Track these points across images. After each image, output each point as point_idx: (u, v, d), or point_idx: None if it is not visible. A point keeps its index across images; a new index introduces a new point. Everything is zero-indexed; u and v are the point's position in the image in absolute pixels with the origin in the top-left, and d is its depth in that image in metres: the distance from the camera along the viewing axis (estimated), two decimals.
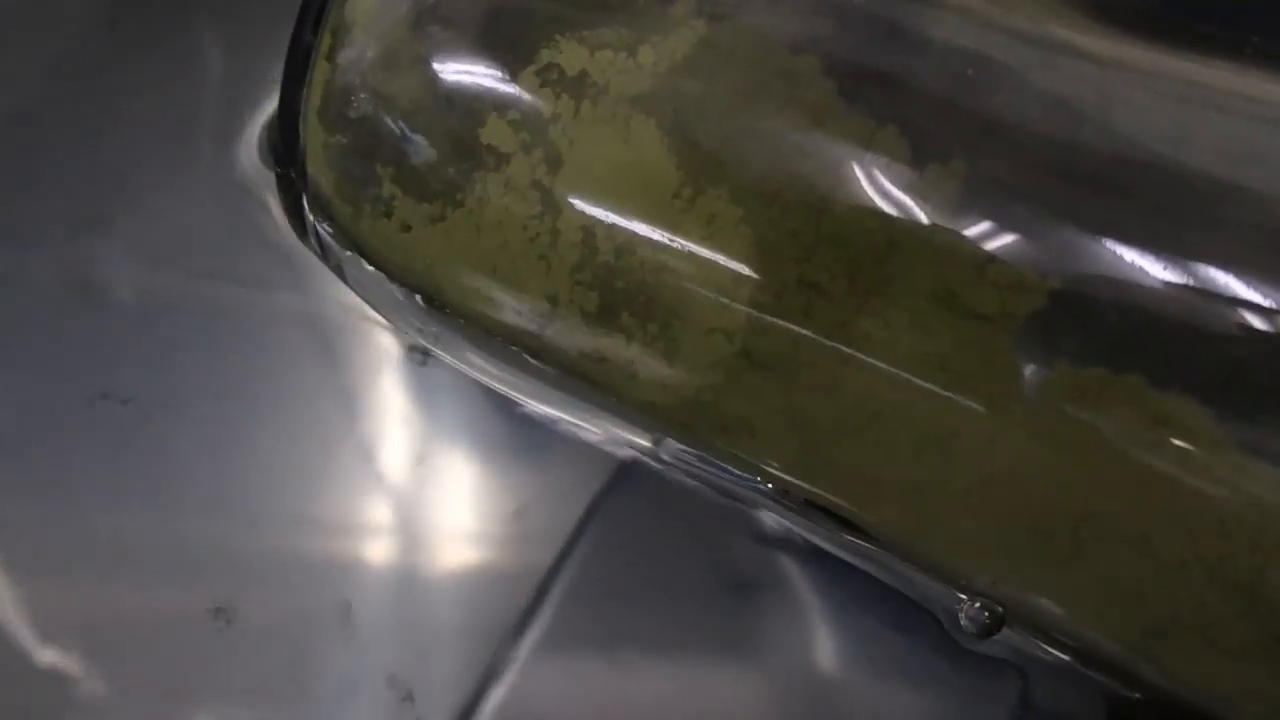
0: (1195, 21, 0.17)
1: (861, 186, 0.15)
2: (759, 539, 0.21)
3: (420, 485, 0.22)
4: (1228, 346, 0.14)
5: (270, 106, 0.23)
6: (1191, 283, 0.14)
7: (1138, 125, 0.15)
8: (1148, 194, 0.15)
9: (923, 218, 0.15)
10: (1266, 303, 0.14)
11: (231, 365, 0.23)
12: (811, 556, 0.21)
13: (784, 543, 0.21)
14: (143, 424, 0.22)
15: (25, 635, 0.21)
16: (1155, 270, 0.14)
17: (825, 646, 0.21)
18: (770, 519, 0.21)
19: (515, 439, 0.22)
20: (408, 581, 0.21)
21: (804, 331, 0.16)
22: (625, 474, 0.22)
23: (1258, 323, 0.14)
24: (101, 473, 0.22)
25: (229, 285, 0.23)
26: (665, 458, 0.20)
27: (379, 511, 0.22)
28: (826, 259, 0.15)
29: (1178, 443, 0.14)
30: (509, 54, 0.17)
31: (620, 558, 0.21)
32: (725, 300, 0.16)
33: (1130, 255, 0.15)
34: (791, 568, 0.21)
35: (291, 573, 0.21)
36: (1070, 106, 0.16)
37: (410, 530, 0.22)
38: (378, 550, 0.22)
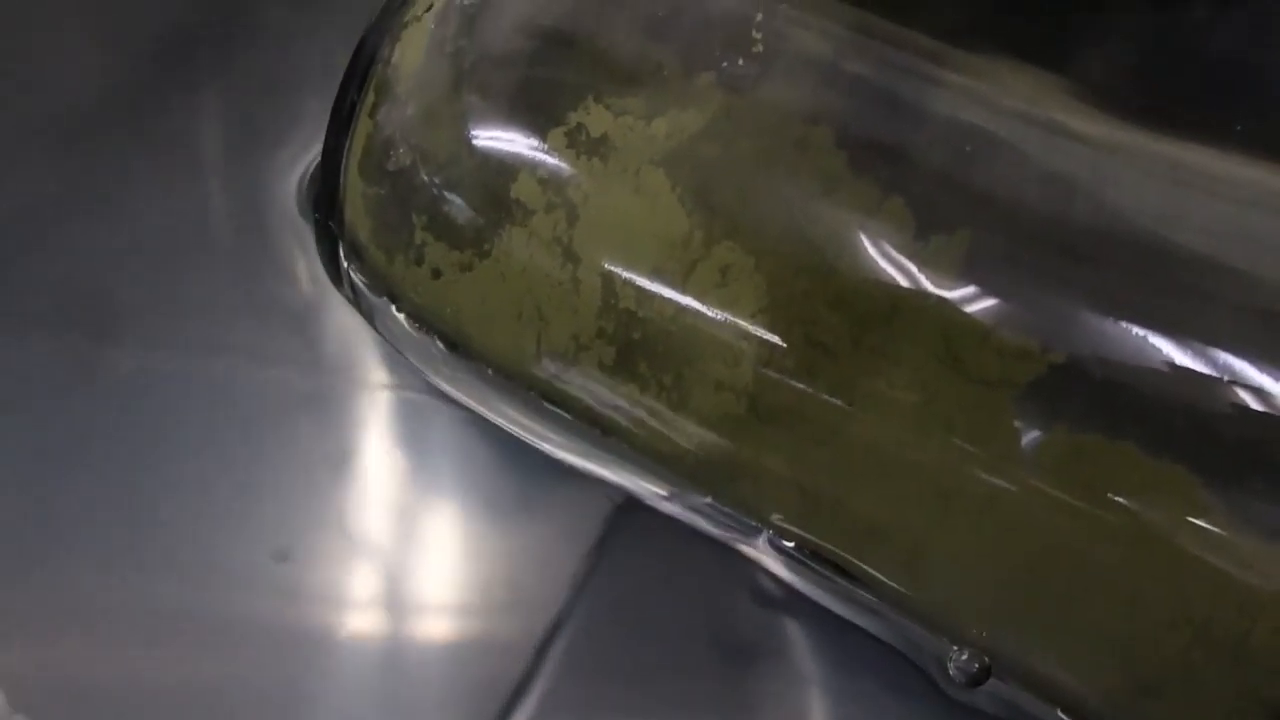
0: (1183, 107, 0.18)
1: (869, 252, 0.16)
2: (756, 600, 0.21)
3: (408, 552, 0.22)
4: (1216, 418, 0.15)
5: (270, 173, 0.24)
6: (1182, 356, 0.15)
7: (1130, 203, 0.16)
8: (1140, 269, 0.16)
9: (927, 285, 0.16)
10: (1250, 377, 0.15)
11: (219, 433, 0.22)
12: (809, 618, 0.21)
13: (781, 603, 0.21)
14: (128, 489, 0.22)
15: None
16: (1148, 342, 0.15)
17: (822, 712, 0.20)
18: (768, 579, 0.21)
19: (506, 504, 0.22)
20: (394, 653, 0.21)
21: (810, 388, 0.16)
22: (617, 535, 0.21)
23: (1243, 396, 0.15)
24: (85, 537, 0.22)
25: (220, 358, 0.23)
26: (672, 502, 0.21)
27: (366, 579, 0.22)
28: (833, 320, 0.16)
29: (1167, 507, 0.15)
30: (539, 116, 0.18)
31: (616, 624, 0.21)
32: (735, 355, 0.17)
33: (1124, 327, 0.15)
34: (789, 630, 0.21)
35: (277, 641, 0.21)
36: (1066, 184, 0.16)
37: (398, 598, 0.22)
38: (364, 620, 0.21)
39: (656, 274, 0.17)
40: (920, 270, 0.16)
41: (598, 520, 0.22)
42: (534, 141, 0.18)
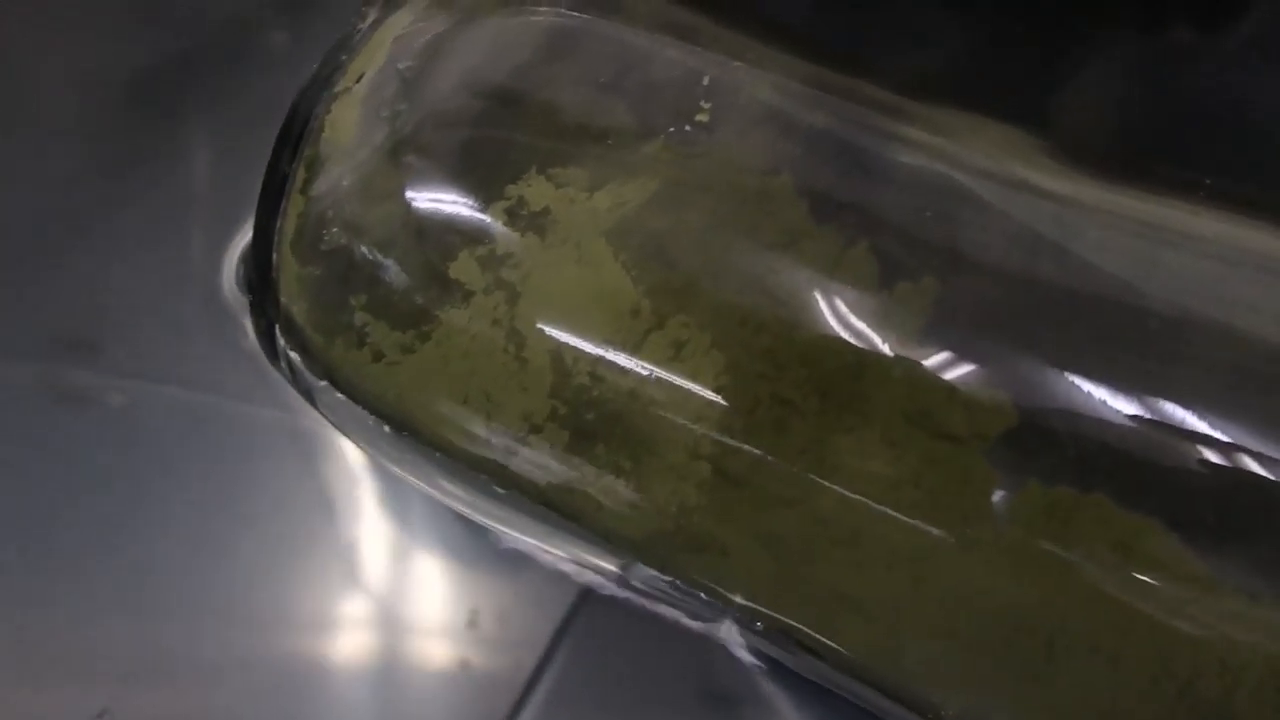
0: (1151, 163, 0.18)
1: (834, 303, 0.16)
2: (731, 662, 0.21)
3: (397, 590, 0.22)
4: (1190, 471, 0.14)
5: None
6: (1151, 410, 0.15)
7: (1095, 257, 0.16)
8: (1107, 322, 0.15)
9: (894, 336, 0.16)
10: (1224, 428, 0.15)
11: (210, 473, 0.23)
12: (791, 673, 0.21)
13: (763, 657, 0.21)
14: (122, 528, 0.22)
15: None
16: (1118, 396, 0.15)
17: None
18: (741, 650, 0.21)
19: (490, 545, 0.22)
20: (384, 684, 0.21)
21: (777, 448, 0.16)
22: (595, 592, 0.21)
23: (1217, 448, 0.14)
24: (75, 571, 0.22)
25: (210, 395, 0.23)
26: (634, 583, 0.20)
27: (357, 610, 0.22)
28: (799, 375, 0.16)
29: (1144, 562, 0.15)
30: (478, 191, 0.17)
31: (602, 666, 0.21)
32: (699, 422, 0.16)
33: (1094, 381, 0.15)
34: (773, 679, 0.21)
35: (273, 675, 0.21)
36: (1031, 237, 0.16)
37: (387, 631, 0.22)
38: (353, 652, 0.21)
39: (607, 349, 0.16)
40: (887, 319, 0.16)
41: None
42: (472, 218, 0.17)
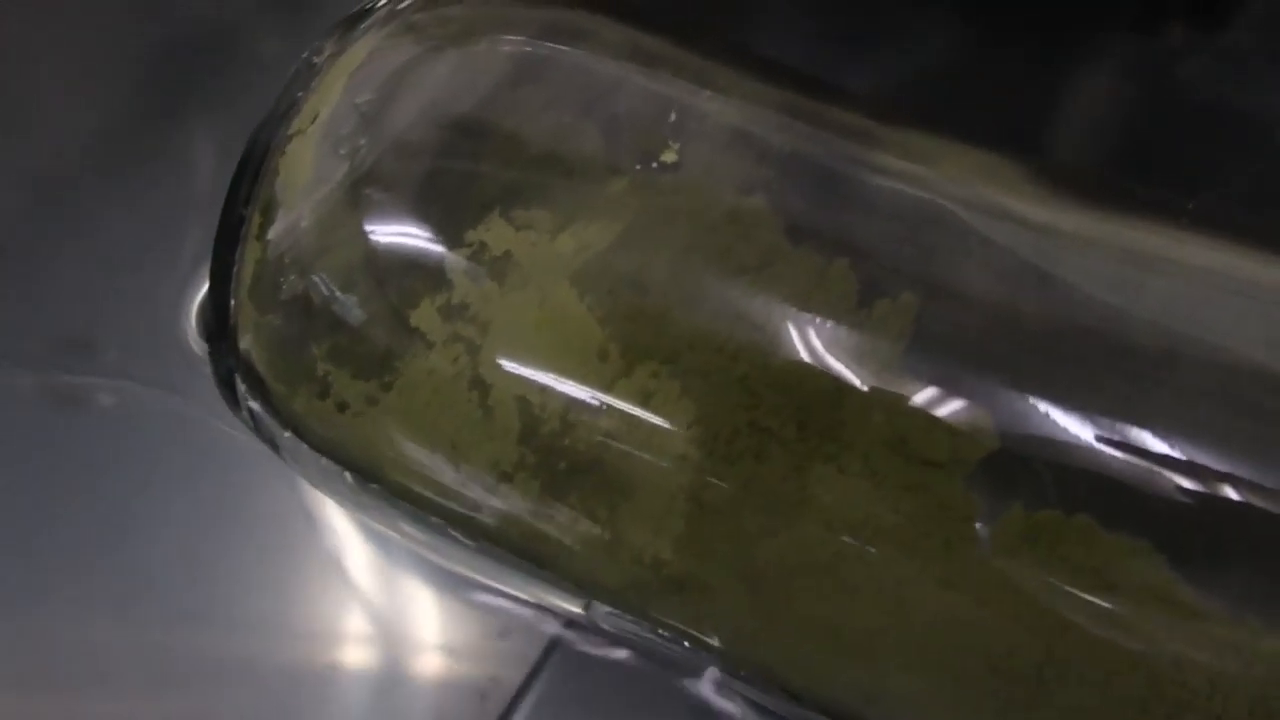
0: (1132, 187, 0.18)
1: (811, 328, 0.15)
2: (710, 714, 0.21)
3: (389, 604, 0.22)
4: (1176, 491, 0.14)
5: None
6: (1132, 433, 0.15)
7: (1074, 279, 0.16)
8: (1087, 347, 0.15)
9: (873, 362, 0.15)
10: (1205, 456, 0.14)
11: (202, 477, 0.23)
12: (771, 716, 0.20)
13: (739, 709, 0.21)
14: (117, 535, 0.22)
15: None
16: (1099, 419, 0.15)
17: None
18: (720, 697, 0.21)
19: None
20: (380, 692, 0.21)
21: (757, 478, 0.16)
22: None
23: (1203, 468, 0.14)
24: (72, 576, 0.22)
25: (203, 398, 0.23)
26: (608, 628, 0.20)
27: (353, 621, 0.22)
28: (777, 403, 0.15)
29: (1132, 584, 0.14)
30: (439, 235, 0.16)
31: (588, 687, 0.21)
32: (675, 460, 0.16)
33: (1075, 404, 0.15)
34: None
35: (268, 681, 0.21)
36: (1012, 260, 0.16)
37: (383, 643, 0.22)
38: (349, 661, 0.22)
39: (577, 395, 0.16)
40: (866, 344, 0.15)
41: None
42: (433, 264, 0.16)
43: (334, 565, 0.22)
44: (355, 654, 0.22)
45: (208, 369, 0.22)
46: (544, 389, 0.16)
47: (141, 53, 0.27)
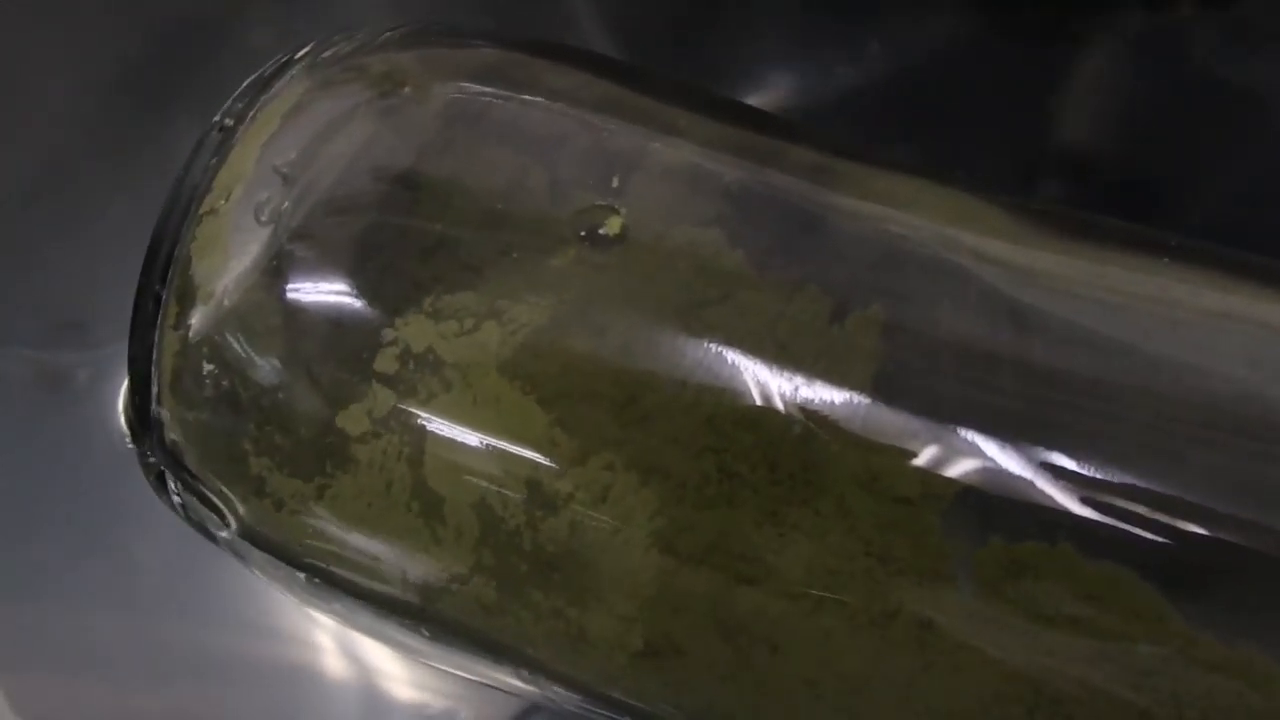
0: (1112, 219, 0.17)
1: (775, 357, 0.15)
2: None
3: None
4: (1160, 517, 0.14)
5: None
6: (1109, 463, 0.14)
7: (1049, 312, 0.15)
8: (1058, 379, 0.15)
9: (841, 399, 0.15)
10: (1194, 467, 0.14)
11: None
12: None
13: None
14: (112, 526, 0.22)
15: None
16: (1074, 450, 0.14)
17: None
18: None
19: None
20: (371, 695, 0.21)
21: (730, 526, 0.15)
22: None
23: (1187, 492, 0.14)
24: (68, 566, 0.22)
25: None
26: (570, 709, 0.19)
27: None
28: (745, 444, 0.15)
29: (1118, 615, 0.14)
30: (358, 333, 0.15)
31: None
32: (643, 537, 0.15)
33: (1049, 436, 0.14)
34: None
35: (262, 677, 0.21)
36: (981, 294, 0.16)
37: (373, 652, 0.22)
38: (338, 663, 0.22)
39: (528, 487, 0.15)
40: (832, 379, 0.15)
41: None
42: (355, 367, 0.15)
43: None
44: (350, 653, 0.21)
45: None
46: (491, 485, 0.15)
47: (133, 41, 0.27)
